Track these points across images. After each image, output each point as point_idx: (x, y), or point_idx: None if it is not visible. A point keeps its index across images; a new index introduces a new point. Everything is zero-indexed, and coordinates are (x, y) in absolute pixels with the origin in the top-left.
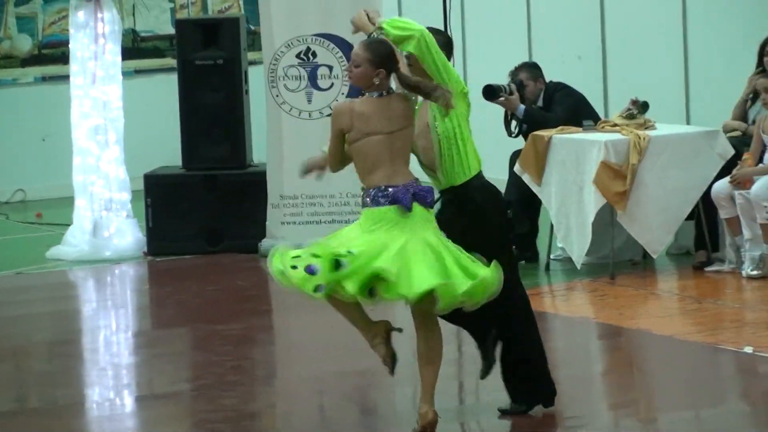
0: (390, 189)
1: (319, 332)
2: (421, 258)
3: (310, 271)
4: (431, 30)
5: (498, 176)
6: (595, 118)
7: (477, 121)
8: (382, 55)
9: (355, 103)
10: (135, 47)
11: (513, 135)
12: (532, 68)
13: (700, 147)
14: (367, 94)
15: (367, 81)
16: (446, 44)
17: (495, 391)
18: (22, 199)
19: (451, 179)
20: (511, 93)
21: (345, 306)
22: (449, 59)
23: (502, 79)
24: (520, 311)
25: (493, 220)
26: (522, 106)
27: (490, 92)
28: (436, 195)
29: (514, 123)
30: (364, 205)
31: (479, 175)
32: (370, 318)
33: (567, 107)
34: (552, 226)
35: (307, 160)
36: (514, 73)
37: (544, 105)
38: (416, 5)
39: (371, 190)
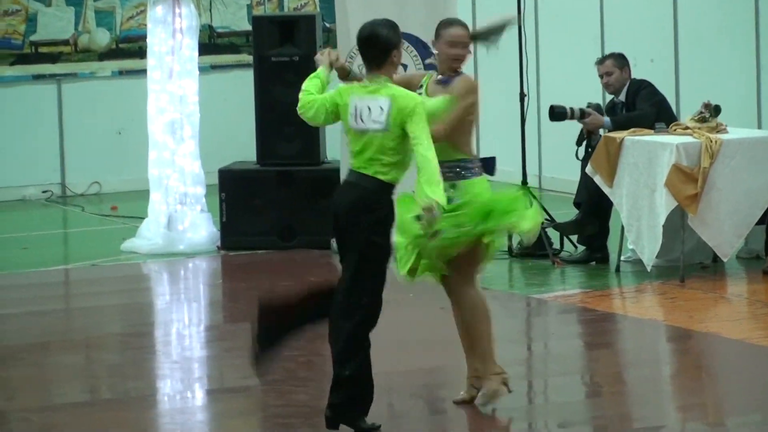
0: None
1: (391, 329)
2: None
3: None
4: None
5: (570, 177)
6: (674, 119)
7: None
8: None
9: None
10: (211, 43)
11: (580, 158)
12: (619, 57)
13: None
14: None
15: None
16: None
17: (564, 392)
18: (98, 192)
19: None
20: (582, 116)
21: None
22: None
23: (577, 79)
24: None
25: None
26: (607, 119)
27: (555, 114)
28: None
29: (581, 147)
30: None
31: None
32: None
33: (654, 103)
34: (623, 227)
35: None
36: (600, 62)
37: (626, 100)
38: (491, 5)
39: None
